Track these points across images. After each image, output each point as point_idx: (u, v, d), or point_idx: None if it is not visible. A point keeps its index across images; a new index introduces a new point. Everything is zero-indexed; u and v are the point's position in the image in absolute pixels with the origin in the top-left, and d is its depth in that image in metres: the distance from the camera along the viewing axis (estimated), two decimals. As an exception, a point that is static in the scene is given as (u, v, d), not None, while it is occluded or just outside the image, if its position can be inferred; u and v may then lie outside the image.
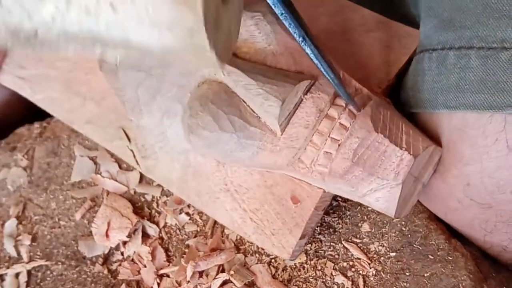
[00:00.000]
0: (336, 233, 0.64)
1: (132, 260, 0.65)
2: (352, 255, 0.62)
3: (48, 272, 0.65)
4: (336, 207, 0.65)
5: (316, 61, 0.49)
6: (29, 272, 0.65)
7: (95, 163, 0.71)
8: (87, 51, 0.38)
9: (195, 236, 0.66)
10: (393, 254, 0.61)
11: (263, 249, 0.63)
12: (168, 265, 0.65)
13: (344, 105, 0.54)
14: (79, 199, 0.69)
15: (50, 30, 0.37)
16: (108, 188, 0.69)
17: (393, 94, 0.62)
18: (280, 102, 0.52)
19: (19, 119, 0.76)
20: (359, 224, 0.64)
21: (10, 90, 0.71)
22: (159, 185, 0.68)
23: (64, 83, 0.68)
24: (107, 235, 0.65)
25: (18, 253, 0.67)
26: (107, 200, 0.68)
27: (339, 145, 0.53)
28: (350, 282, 0.61)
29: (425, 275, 0.60)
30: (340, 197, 0.63)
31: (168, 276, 0.64)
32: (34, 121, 0.75)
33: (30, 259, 0.66)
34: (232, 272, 0.61)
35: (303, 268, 0.62)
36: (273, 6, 0.46)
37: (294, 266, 0.62)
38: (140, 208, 0.68)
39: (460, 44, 0.53)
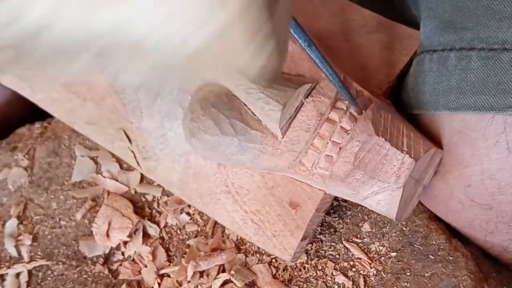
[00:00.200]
0: (336, 233, 0.64)
1: (133, 260, 0.65)
2: (352, 255, 0.62)
3: (49, 272, 0.65)
4: (336, 207, 0.65)
5: (320, 63, 0.49)
6: (29, 272, 0.65)
7: (96, 163, 0.71)
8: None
9: (196, 236, 0.66)
10: (393, 254, 0.61)
11: (263, 249, 0.63)
12: (169, 265, 0.65)
13: (345, 108, 0.54)
14: (80, 199, 0.69)
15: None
16: (109, 188, 0.69)
17: (394, 96, 0.62)
18: (281, 106, 0.52)
19: (19, 119, 0.75)
20: (360, 224, 0.64)
21: (11, 90, 0.71)
22: (159, 185, 0.68)
23: (64, 84, 0.68)
24: (107, 235, 0.65)
25: (19, 253, 0.67)
26: (108, 200, 0.68)
27: (340, 148, 0.53)
28: (351, 282, 0.61)
29: (426, 275, 0.60)
30: (341, 197, 0.63)
31: (168, 276, 0.64)
32: (35, 121, 0.74)
33: (31, 259, 0.66)
34: (232, 272, 0.61)
35: (304, 268, 0.62)
36: None
37: (295, 266, 0.63)
38: (141, 208, 0.68)
39: (461, 45, 0.53)
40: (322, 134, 0.54)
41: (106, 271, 0.65)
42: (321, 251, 0.63)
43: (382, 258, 0.61)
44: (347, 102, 0.54)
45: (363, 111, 0.54)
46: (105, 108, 0.66)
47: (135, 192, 0.69)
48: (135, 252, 0.65)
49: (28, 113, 0.74)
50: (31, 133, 0.73)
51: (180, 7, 0.31)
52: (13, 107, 0.76)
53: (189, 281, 0.62)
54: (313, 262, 0.62)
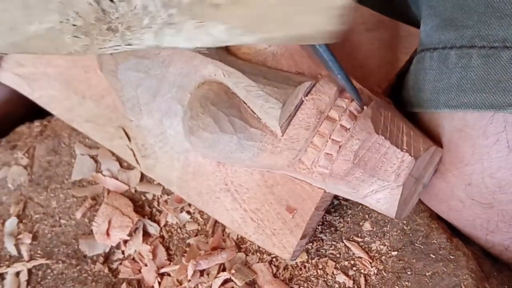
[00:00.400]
0: (337, 232, 0.64)
1: (133, 259, 0.65)
2: (353, 254, 0.62)
3: (49, 271, 0.65)
4: (337, 206, 0.65)
5: (327, 58, 0.49)
6: (29, 271, 0.65)
7: (96, 161, 0.70)
8: None
9: (196, 235, 0.66)
10: (394, 253, 0.61)
11: (264, 248, 0.63)
12: (169, 264, 0.64)
13: (345, 106, 0.54)
14: (80, 198, 0.69)
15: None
16: (109, 186, 0.69)
17: (394, 94, 0.62)
18: (281, 104, 0.52)
19: (19, 118, 0.76)
20: (361, 223, 0.63)
21: (10, 88, 0.71)
22: (159, 184, 0.68)
23: (63, 81, 0.68)
24: (107, 234, 0.65)
25: (19, 251, 0.67)
26: (108, 198, 0.67)
27: (340, 146, 0.53)
28: (352, 281, 0.60)
29: (427, 274, 0.60)
30: (341, 196, 0.63)
31: (169, 275, 0.64)
32: (34, 119, 0.75)
33: (31, 258, 0.66)
34: (233, 271, 0.61)
35: (304, 267, 0.62)
36: None
37: (295, 265, 0.62)
38: (141, 207, 0.68)
39: (462, 43, 0.53)
40: (321, 132, 0.53)
41: (106, 270, 0.65)
42: (322, 250, 0.63)
43: (383, 257, 0.61)
44: (347, 100, 0.54)
45: (365, 107, 0.54)
46: (104, 106, 0.66)
47: (135, 190, 0.69)
48: (135, 251, 0.65)
49: (27, 111, 0.74)
50: (30, 132, 0.73)
51: None
52: (13, 105, 0.76)
53: (190, 280, 0.62)
54: (313, 261, 0.62)
